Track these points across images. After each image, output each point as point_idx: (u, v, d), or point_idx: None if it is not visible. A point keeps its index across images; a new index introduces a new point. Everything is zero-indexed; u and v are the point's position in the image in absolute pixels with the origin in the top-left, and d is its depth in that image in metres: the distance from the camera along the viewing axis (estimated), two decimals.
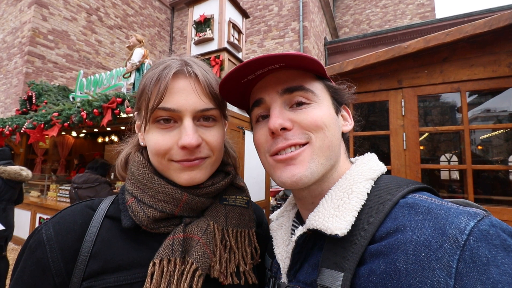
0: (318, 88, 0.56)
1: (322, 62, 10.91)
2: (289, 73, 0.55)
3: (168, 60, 0.60)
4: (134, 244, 0.56)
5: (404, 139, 2.15)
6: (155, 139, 0.55)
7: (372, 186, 0.51)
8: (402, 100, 2.16)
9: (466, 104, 1.98)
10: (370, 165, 0.55)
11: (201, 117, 0.58)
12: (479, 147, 4.34)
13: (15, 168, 3.48)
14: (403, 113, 2.15)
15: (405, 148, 2.13)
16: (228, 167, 0.69)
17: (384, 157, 2.25)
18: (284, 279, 0.57)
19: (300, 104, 0.54)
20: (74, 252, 0.52)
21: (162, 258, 0.51)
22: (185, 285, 0.50)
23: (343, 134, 0.61)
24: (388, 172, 2.23)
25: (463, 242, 0.35)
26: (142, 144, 0.64)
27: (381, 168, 0.56)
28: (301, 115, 0.53)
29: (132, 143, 0.68)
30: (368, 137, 3.47)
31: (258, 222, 0.76)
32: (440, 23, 9.01)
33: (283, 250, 0.60)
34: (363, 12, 13.45)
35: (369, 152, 0.62)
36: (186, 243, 0.55)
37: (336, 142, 0.54)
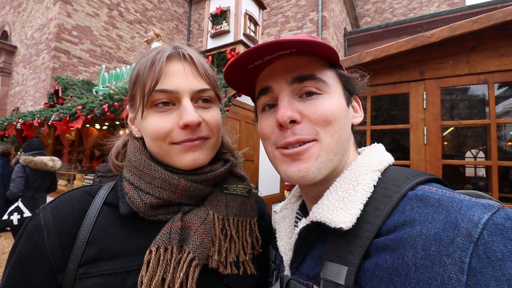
0: (330, 77, 0.53)
1: (342, 53, 10.59)
2: (299, 59, 0.52)
3: (160, 47, 0.60)
4: (131, 231, 0.55)
5: (425, 133, 2.05)
6: (155, 122, 0.55)
7: (379, 178, 0.48)
8: (424, 93, 2.06)
9: (494, 97, 1.85)
10: (377, 156, 0.53)
11: (198, 99, 0.58)
12: (509, 143, 4.08)
13: (43, 158, 3.69)
14: (424, 106, 2.05)
15: (425, 142, 2.04)
16: (226, 155, 0.68)
17: (406, 152, 2.17)
18: (287, 271, 0.56)
19: (310, 94, 0.51)
20: (71, 237, 0.52)
21: (159, 246, 0.51)
22: (181, 274, 0.49)
23: (353, 125, 0.59)
24: (407, 167, 2.16)
25: (476, 236, 0.33)
26: (137, 135, 0.63)
27: (389, 159, 0.53)
28: (311, 107, 0.50)
29: (125, 135, 0.67)
30: (388, 131, 3.36)
31: (260, 213, 0.75)
32: (470, 10, 8.43)
33: (286, 242, 0.59)
34: (386, 0, 12.83)
35: (376, 143, 0.59)
36: (184, 232, 0.54)
37: (345, 136, 0.52)
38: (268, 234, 0.76)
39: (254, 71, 0.56)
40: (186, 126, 0.54)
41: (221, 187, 0.63)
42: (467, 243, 0.33)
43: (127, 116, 0.67)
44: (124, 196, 0.57)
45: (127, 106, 0.64)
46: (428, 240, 0.36)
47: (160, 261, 0.50)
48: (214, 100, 0.63)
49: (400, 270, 0.37)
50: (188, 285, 0.49)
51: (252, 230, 0.64)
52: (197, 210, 0.57)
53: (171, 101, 0.55)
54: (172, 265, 0.50)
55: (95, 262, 0.51)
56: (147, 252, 0.50)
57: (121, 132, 0.72)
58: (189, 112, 0.54)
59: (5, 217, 3.33)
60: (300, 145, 0.50)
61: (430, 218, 0.38)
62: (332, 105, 0.50)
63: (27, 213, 3.43)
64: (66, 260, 0.51)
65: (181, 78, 0.56)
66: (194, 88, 0.57)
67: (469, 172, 3.87)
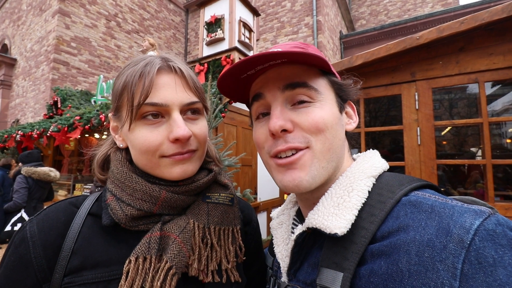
0: (321, 85, 0.53)
1: (338, 56, 10.65)
2: (291, 68, 0.52)
3: (147, 57, 0.59)
4: (113, 241, 0.56)
5: (419, 134, 2.06)
6: (144, 136, 0.54)
7: (374, 184, 0.49)
8: (416, 94, 2.07)
9: (485, 96, 1.86)
10: (372, 162, 0.53)
11: (187, 111, 0.59)
12: (508, 140, 4.07)
13: (45, 169, 3.76)
14: (417, 107, 2.06)
15: (419, 143, 2.05)
16: (210, 164, 0.68)
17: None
18: (284, 278, 0.56)
19: (302, 102, 0.51)
20: (56, 248, 0.53)
21: (138, 256, 0.51)
22: (159, 283, 0.50)
23: (347, 132, 0.59)
24: (402, 168, 2.15)
25: (468, 242, 0.33)
26: (121, 146, 0.62)
27: (383, 165, 0.54)
28: (302, 116, 0.50)
29: (108, 145, 0.66)
30: (388, 132, 3.36)
31: (247, 220, 0.75)
32: (463, 9, 8.51)
33: (283, 249, 0.59)
34: (381, 2, 12.97)
35: (371, 149, 0.59)
36: (163, 241, 0.54)
37: (337, 143, 0.52)
38: (255, 240, 0.76)
39: (247, 80, 0.57)
40: (176, 140, 0.55)
41: (204, 196, 0.63)
42: (459, 249, 0.33)
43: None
44: (106, 207, 0.57)
45: (110, 115, 0.63)
46: (421, 246, 0.36)
47: (139, 271, 0.50)
48: (202, 112, 0.63)
49: (394, 276, 0.37)
50: None
51: (235, 238, 0.64)
52: (177, 220, 0.58)
53: (160, 113, 0.56)
54: (150, 274, 0.50)
55: (79, 271, 0.52)
56: (127, 261, 0.51)
57: (104, 137, 0.71)
58: (180, 126, 0.54)
59: (8, 228, 3.36)
60: (293, 154, 0.50)
61: (424, 224, 0.38)
62: (323, 113, 0.51)
63: None
64: (51, 270, 0.52)
65: (171, 91, 0.56)
66: (184, 101, 0.57)
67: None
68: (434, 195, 0.43)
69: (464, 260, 0.33)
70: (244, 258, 0.66)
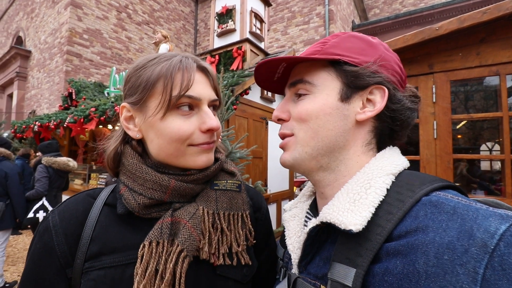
0: (321, 77, 0.54)
1: None
2: (300, 66, 0.59)
3: (176, 54, 0.63)
4: (128, 228, 0.61)
5: (435, 127, 2.03)
6: (178, 124, 0.58)
7: (393, 182, 0.48)
8: (433, 86, 2.03)
9: (506, 89, 1.81)
10: (392, 160, 0.52)
11: (210, 106, 0.64)
12: None
13: (63, 159, 3.90)
14: (434, 100, 2.02)
15: (435, 137, 2.02)
16: (217, 154, 0.71)
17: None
18: (295, 269, 0.57)
19: (299, 95, 0.57)
20: (76, 236, 0.59)
21: (151, 241, 0.55)
22: (171, 265, 0.53)
23: (361, 122, 0.54)
24: (417, 162, 2.13)
25: (492, 247, 0.32)
26: (137, 136, 0.63)
27: (404, 163, 0.52)
28: (295, 107, 0.57)
29: (116, 140, 0.67)
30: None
31: (257, 206, 0.78)
32: None
33: (294, 241, 0.60)
34: None
35: (391, 146, 0.58)
36: (174, 227, 0.58)
37: (325, 133, 0.53)
38: (265, 226, 0.79)
39: (283, 78, 0.64)
40: (208, 130, 0.60)
41: (212, 184, 0.66)
42: (482, 253, 0.32)
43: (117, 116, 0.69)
44: (120, 197, 0.61)
45: (126, 105, 0.63)
46: (441, 248, 0.35)
47: (153, 254, 0.54)
48: (217, 108, 0.70)
49: (410, 277, 0.36)
50: (177, 274, 0.53)
51: (244, 223, 0.67)
52: (187, 206, 0.61)
53: (192, 106, 0.60)
54: (163, 257, 0.54)
55: (98, 257, 0.57)
56: (141, 246, 0.55)
57: (117, 128, 0.72)
58: (212, 118, 0.60)
59: (31, 215, 3.50)
60: (285, 139, 0.59)
61: (444, 225, 0.37)
62: (310, 105, 0.54)
63: None
64: (73, 256, 0.57)
65: (202, 87, 0.61)
66: (211, 97, 0.63)
67: (485, 166, 3.77)
68: (457, 196, 0.42)
69: (487, 266, 0.31)
70: (255, 241, 0.69)
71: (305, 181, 6.94)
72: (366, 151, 0.55)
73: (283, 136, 0.59)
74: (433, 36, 1.92)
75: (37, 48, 10.48)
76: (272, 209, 4.61)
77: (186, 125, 0.59)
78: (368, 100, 0.54)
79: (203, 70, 0.63)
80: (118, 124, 0.70)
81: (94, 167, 6.55)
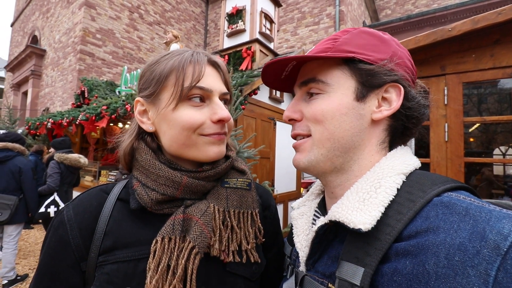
0: (335, 76, 0.53)
1: None
2: (311, 64, 0.56)
3: (188, 50, 0.65)
4: (141, 224, 0.61)
5: (446, 130, 1.99)
6: (189, 114, 0.59)
7: (403, 181, 0.47)
8: (445, 88, 2.00)
9: None
10: (403, 159, 0.51)
11: (222, 100, 0.65)
12: None
13: (75, 155, 4.01)
14: (445, 102, 1.99)
15: (446, 140, 1.98)
16: (228, 151, 0.72)
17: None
18: (302, 267, 0.56)
19: (312, 94, 0.55)
20: (90, 230, 0.59)
21: (163, 236, 0.56)
22: (183, 261, 0.54)
23: (377, 121, 0.53)
24: (427, 165, 2.09)
25: (505, 249, 0.31)
26: (150, 129, 0.65)
27: (415, 162, 0.51)
28: (308, 107, 0.55)
29: (130, 136, 0.68)
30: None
31: (265, 205, 0.78)
32: None
33: (302, 239, 0.60)
34: None
35: (403, 145, 0.57)
36: (186, 223, 0.59)
37: (342, 134, 0.52)
38: (274, 224, 0.79)
39: (291, 76, 0.63)
40: (219, 121, 0.61)
41: (222, 181, 0.67)
42: (494, 255, 0.32)
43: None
44: (133, 192, 0.62)
45: (140, 99, 0.65)
46: (452, 249, 0.35)
47: (165, 250, 0.55)
48: (228, 103, 0.70)
49: (420, 278, 0.36)
50: (189, 270, 0.54)
51: (254, 221, 0.67)
52: (198, 203, 0.62)
53: (204, 98, 0.61)
54: (175, 253, 0.55)
55: (111, 251, 0.58)
56: (154, 241, 0.56)
57: (127, 126, 0.75)
58: (223, 109, 0.61)
59: (42, 209, 3.59)
60: (300, 139, 0.57)
61: (456, 226, 0.37)
62: (325, 105, 0.52)
63: (62, 206, 3.69)
64: (87, 250, 0.58)
65: (213, 80, 0.63)
66: (222, 90, 0.64)
67: (498, 170, 3.68)
68: (470, 198, 0.41)
69: (499, 268, 0.31)
70: (264, 239, 0.70)
71: (312, 182, 6.91)
72: (380, 150, 0.55)
73: (296, 136, 0.58)
74: (446, 37, 1.89)
75: (51, 47, 10.75)
76: (279, 209, 4.58)
77: (197, 114, 0.60)
78: (383, 98, 0.53)
79: (213, 64, 0.65)
80: (129, 122, 0.72)
81: (99, 164, 6.69)
